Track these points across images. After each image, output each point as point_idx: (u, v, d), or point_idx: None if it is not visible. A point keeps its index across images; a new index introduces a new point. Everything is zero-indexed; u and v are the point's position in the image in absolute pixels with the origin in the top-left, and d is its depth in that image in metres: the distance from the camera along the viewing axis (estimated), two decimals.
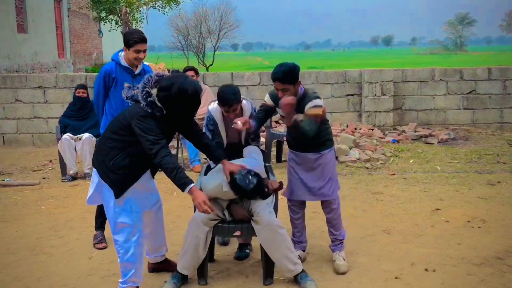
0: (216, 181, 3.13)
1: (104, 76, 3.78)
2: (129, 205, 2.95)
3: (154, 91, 2.85)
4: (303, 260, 3.56)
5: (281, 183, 3.38)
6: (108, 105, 3.86)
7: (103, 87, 3.80)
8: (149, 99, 2.83)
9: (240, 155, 3.43)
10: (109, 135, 2.94)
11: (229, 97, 3.30)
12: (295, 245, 3.58)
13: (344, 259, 3.48)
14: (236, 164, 3.10)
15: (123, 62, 3.78)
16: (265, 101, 3.51)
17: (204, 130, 3.51)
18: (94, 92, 3.92)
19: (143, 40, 3.65)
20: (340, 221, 3.56)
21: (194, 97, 2.83)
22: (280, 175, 5.84)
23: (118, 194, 2.90)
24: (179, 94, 2.78)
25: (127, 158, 2.88)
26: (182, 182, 2.78)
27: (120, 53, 3.82)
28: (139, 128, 2.80)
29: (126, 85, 3.78)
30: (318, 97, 3.29)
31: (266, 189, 3.19)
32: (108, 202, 2.96)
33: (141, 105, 2.85)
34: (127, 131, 2.86)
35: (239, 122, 3.20)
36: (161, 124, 2.86)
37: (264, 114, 3.50)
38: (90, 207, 4.73)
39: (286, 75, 3.21)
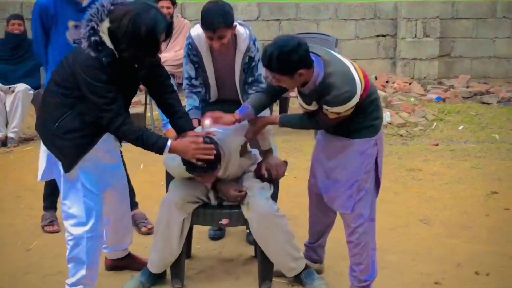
0: (178, 157, 3.07)
1: (40, 14, 3.64)
2: (80, 182, 2.91)
3: (104, 25, 2.70)
4: None
5: (285, 163, 3.32)
6: (51, 51, 3.74)
7: (41, 28, 3.68)
8: (92, 38, 2.69)
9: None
10: (52, 88, 2.88)
11: (213, 18, 3.17)
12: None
13: None
14: (202, 133, 3.00)
15: None
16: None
17: (184, 62, 3.50)
18: (32, 34, 3.82)
19: None
20: (366, 254, 3.10)
21: (147, 39, 2.65)
22: (283, 143, 5.82)
23: (67, 166, 2.87)
24: (128, 30, 2.64)
25: (76, 118, 2.83)
26: (156, 146, 2.80)
27: None
28: (84, 85, 2.73)
29: (71, 23, 3.61)
30: (349, 98, 2.78)
31: (265, 176, 3.22)
32: (58, 177, 2.96)
33: (83, 46, 2.72)
34: (74, 82, 2.78)
35: (206, 121, 3.01)
36: (116, 74, 2.75)
37: (270, 98, 3.16)
38: (27, 181, 4.78)
39: (274, 62, 2.73)
